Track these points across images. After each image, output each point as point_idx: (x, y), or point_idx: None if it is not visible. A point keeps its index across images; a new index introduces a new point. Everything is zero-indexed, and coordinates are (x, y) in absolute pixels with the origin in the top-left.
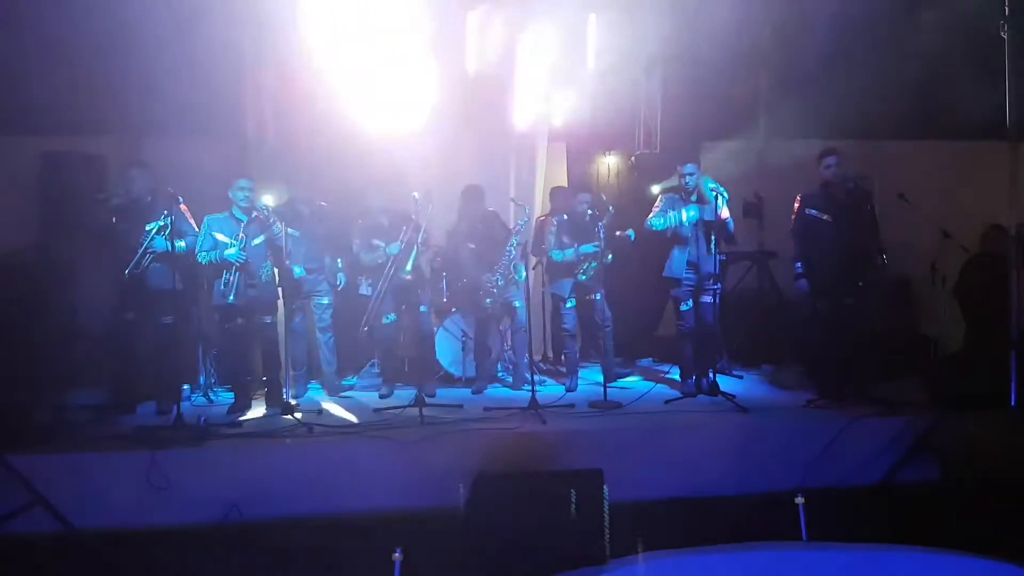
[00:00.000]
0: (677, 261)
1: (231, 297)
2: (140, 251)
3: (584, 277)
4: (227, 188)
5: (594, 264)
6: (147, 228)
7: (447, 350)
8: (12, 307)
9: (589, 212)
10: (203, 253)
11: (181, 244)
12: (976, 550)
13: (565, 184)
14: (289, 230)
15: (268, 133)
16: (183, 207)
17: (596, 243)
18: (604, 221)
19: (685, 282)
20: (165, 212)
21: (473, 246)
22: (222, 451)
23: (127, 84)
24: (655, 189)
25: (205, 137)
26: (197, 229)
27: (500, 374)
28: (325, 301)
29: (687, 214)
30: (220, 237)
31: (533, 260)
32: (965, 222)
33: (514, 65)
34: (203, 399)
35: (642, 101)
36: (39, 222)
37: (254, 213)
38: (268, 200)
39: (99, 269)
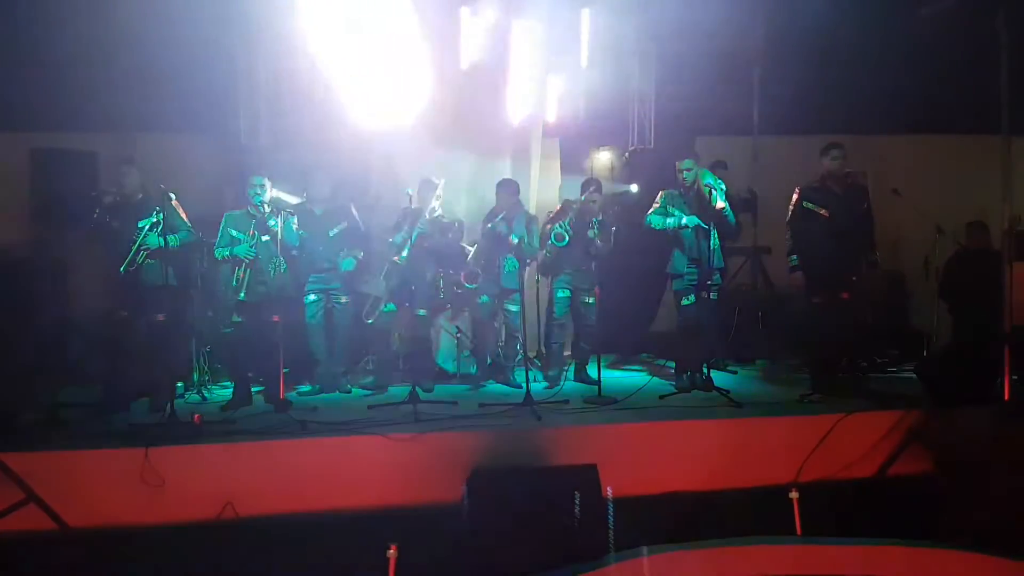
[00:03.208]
0: (679, 256)
1: (242, 294)
2: (134, 248)
3: (571, 278)
4: (245, 186)
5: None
6: (139, 225)
7: (441, 347)
8: (4, 304)
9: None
10: (219, 249)
11: (174, 240)
12: (968, 543)
13: (559, 179)
14: (300, 232)
15: (261, 130)
16: (175, 203)
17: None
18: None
19: (687, 277)
20: (157, 208)
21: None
22: (216, 448)
23: (118, 80)
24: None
25: (197, 133)
26: (190, 225)
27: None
28: (344, 300)
29: (688, 221)
30: (235, 233)
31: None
32: (959, 217)
33: (507, 60)
34: (197, 396)
35: (636, 96)
36: (30, 219)
37: (264, 210)
38: (268, 197)
39: (91, 266)
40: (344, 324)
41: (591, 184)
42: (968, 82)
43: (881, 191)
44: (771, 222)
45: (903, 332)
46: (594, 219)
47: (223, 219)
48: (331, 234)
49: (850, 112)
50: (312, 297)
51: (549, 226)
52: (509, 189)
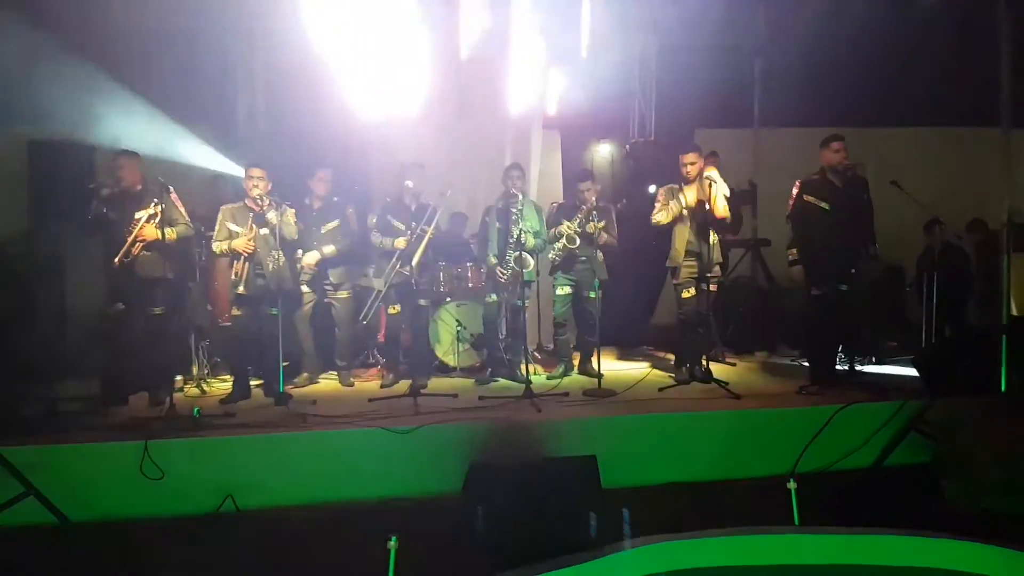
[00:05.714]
0: (679, 250)
1: (240, 286)
2: (130, 240)
3: (573, 274)
4: (241, 178)
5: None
6: (136, 216)
7: (442, 340)
8: (2, 298)
9: (594, 203)
10: (217, 242)
11: (172, 232)
12: (966, 533)
13: (560, 173)
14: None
15: (259, 121)
16: (173, 195)
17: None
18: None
19: (687, 270)
20: (155, 200)
21: (499, 225)
22: (216, 441)
23: (120, 72)
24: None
25: (196, 125)
26: (187, 218)
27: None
28: (342, 295)
29: (686, 198)
30: (233, 226)
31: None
32: (958, 210)
33: (508, 53)
34: (196, 389)
35: (637, 89)
36: (27, 212)
37: (263, 202)
38: (265, 189)
39: (89, 259)
40: (342, 317)
41: (584, 174)
42: (968, 74)
43: (881, 183)
44: (771, 214)
45: (901, 323)
46: (593, 213)
47: (220, 212)
48: (322, 231)
49: (850, 104)
50: (307, 293)
51: (554, 230)
52: (516, 173)
